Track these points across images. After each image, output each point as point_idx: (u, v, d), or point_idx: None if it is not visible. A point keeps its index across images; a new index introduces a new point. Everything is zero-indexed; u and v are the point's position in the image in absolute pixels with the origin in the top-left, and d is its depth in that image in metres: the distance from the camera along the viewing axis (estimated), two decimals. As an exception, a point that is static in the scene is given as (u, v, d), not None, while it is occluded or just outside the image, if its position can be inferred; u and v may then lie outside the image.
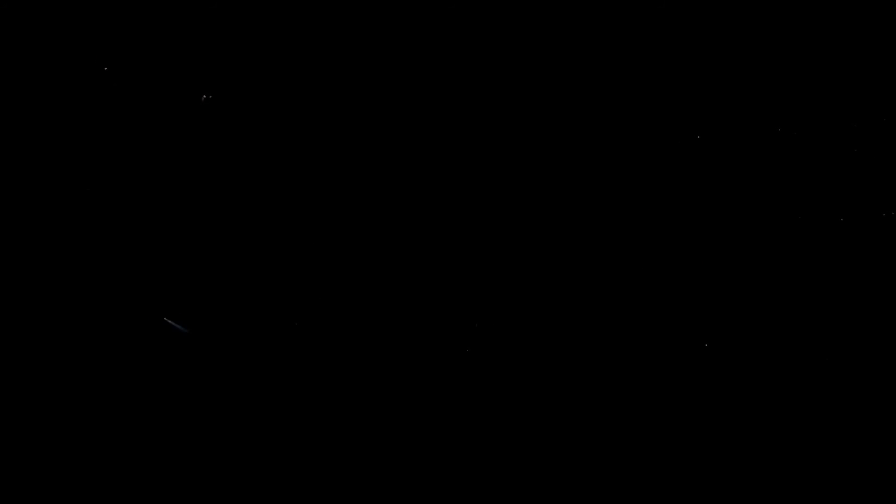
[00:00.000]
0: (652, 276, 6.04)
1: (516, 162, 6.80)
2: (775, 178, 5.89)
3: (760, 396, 6.11)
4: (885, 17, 5.49)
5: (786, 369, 5.91)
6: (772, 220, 5.94)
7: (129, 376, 7.61)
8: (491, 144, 6.60)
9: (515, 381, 6.73)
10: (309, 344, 7.45)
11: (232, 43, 7.85)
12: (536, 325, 6.18)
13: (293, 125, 7.85)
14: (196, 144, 8.46)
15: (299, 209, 7.92)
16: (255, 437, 7.43)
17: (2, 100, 7.28)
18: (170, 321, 6.85)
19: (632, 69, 6.30)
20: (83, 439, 7.25)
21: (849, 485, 5.82)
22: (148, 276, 7.79)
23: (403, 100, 7.06)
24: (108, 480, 6.77)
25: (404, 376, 6.72)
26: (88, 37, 8.05)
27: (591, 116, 6.63)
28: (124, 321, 7.63)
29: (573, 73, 6.41)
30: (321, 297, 7.48)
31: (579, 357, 6.16)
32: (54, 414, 7.54)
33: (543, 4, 6.76)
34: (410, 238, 7.21)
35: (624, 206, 6.26)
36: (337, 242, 7.55)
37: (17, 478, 6.67)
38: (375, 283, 6.59)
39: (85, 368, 7.59)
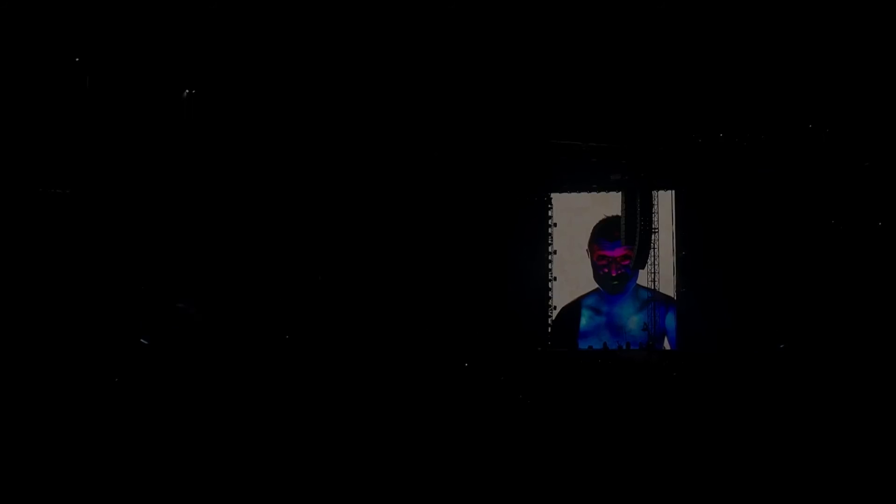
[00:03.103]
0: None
1: (517, 163, 6.76)
2: (808, 179, 5.66)
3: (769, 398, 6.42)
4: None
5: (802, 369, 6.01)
6: (805, 223, 5.79)
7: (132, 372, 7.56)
8: (491, 145, 6.58)
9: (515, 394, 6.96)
10: (304, 355, 7.39)
11: (219, 40, 7.60)
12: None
13: (288, 125, 7.56)
14: (180, 139, 8.25)
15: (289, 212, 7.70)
16: (253, 441, 7.15)
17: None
18: (182, 305, 6.65)
19: (640, 71, 6.20)
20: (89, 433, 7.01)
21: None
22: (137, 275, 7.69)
23: (403, 98, 6.85)
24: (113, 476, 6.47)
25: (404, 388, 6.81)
26: (68, 31, 7.92)
27: (594, 117, 6.54)
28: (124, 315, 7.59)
29: (576, 73, 6.38)
30: (317, 305, 7.43)
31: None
32: (56, 413, 7.38)
33: (543, 5, 6.75)
34: (407, 245, 7.01)
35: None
36: (330, 246, 7.37)
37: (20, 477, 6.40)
38: (373, 294, 6.76)
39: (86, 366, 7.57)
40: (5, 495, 7.20)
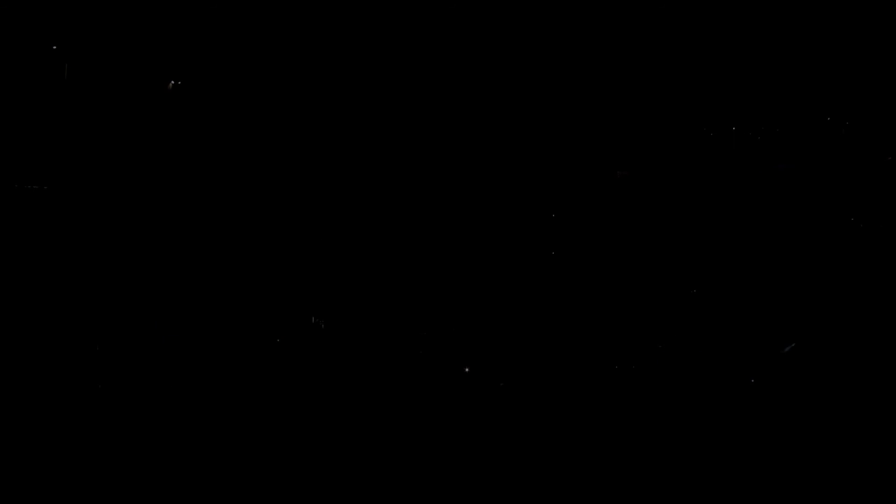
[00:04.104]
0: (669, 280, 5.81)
1: (516, 163, 7.32)
2: (826, 175, 5.61)
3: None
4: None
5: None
6: (822, 221, 6.27)
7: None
8: (491, 147, 7.07)
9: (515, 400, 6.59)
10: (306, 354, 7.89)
11: (209, 26, 7.99)
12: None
13: (283, 122, 8.01)
14: (164, 132, 8.32)
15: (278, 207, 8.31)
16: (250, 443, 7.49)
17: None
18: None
19: (646, 59, 6.91)
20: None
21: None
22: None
23: (403, 98, 7.44)
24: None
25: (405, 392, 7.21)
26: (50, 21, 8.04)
27: (598, 109, 7.21)
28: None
29: (581, 66, 6.93)
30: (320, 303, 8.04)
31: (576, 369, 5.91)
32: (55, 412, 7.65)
33: (543, 5, 7.13)
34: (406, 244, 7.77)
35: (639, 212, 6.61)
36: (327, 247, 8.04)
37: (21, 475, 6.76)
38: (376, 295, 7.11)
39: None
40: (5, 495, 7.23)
